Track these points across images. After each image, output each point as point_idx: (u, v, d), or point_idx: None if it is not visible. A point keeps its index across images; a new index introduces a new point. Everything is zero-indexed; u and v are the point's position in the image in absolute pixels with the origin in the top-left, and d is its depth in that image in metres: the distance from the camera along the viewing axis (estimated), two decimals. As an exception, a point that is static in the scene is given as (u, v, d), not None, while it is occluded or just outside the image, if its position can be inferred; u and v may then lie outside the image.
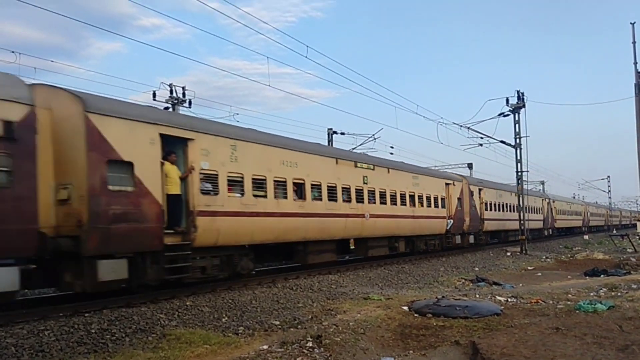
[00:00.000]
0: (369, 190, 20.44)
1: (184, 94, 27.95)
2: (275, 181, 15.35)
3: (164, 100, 26.88)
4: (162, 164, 12.08)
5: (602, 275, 19.12)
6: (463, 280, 18.34)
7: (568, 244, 42.45)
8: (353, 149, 34.41)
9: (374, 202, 20.80)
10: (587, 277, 18.97)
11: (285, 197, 15.81)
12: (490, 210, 34.70)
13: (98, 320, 9.72)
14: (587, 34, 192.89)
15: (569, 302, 11.57)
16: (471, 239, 31.13)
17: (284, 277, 16.26)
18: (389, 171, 22.39)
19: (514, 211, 37.70)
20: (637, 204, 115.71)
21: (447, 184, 28.08)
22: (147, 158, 11.54)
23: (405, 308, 11.18)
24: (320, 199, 17.52)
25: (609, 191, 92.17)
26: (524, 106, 31.89)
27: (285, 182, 15.84)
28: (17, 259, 9.27)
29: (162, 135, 12.04)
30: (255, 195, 14.56)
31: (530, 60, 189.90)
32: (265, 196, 14.91)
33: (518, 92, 31.76)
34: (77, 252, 10.17)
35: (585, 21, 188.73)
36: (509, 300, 12.25)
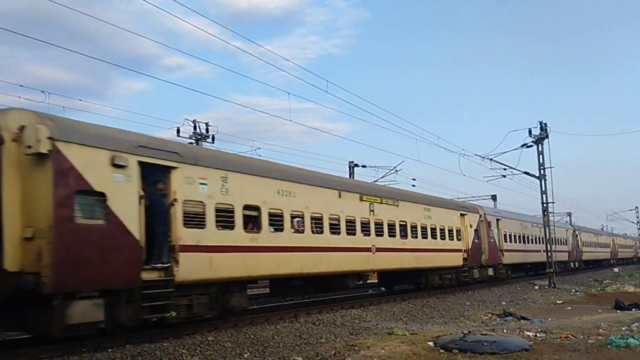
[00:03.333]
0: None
1: (207, 130, 28.47)
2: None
3: (187, 137, 27.39)
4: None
5: (633, 309, 18.53)
6: (490, 315, 17.92)
7: (597, 276, 41.39)
8: (375, 181, 34.44)
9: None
10: (619, 311, 18.39)
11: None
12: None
13: (121, 356, 9.71)
14: (610, 64, 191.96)
15: (600, 337, 11.21)
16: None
17: (307, 311, 16.10)
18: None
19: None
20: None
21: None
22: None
23: (431, 343, 10.95)
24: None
25: (638, 222, 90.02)
26: (547, 137, 31.61)
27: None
28: None
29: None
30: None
31: (553, 91, 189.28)
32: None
33: (541, 122, 31.57)
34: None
35: (609, 51, 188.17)
36: (538, 335, 11.92)
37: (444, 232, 24.60)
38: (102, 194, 10.11)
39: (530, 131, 31.47)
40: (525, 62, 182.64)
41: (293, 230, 15.39)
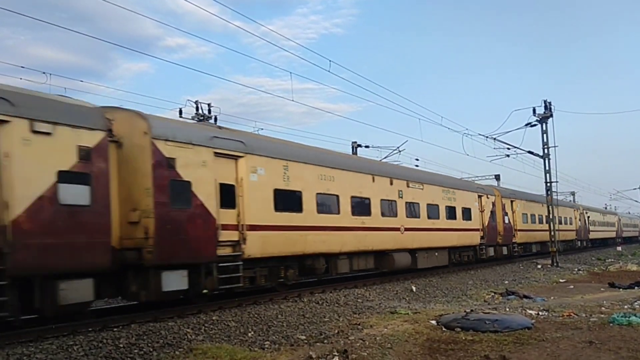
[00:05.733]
0: None
1: (209, 111, 28.30)
2: None
3: (190, 118, 27.26)
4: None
5: (635, 287, 18.59)
6: (492, 294, 18.01)
7: (601, 255, 41.50)
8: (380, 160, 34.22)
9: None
10: (621, 290, 18.45)
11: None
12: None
13: (126, 335, 9.80)
14: (614, 42, 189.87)
15: (602, 315, 11.27)
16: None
17: (310, 291, 16.19)
18: None
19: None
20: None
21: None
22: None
23: (433, 322, 11.03)
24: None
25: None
26: (551, 116, 31.42)
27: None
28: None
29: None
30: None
31: (557, 69, 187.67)
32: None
33: (545, 101, 31.37)
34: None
35: (614, 28, 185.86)
36: (540, 313, 11.98)
37: None
38: None
39: (534, 110, 31.31)
40: (529, 40, 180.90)
41: None
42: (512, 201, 33.39)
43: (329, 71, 20.29)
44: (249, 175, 14.05)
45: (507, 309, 12.91)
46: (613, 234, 66.25)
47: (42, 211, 9.60)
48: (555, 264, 30.89)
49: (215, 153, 13.11)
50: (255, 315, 12.27)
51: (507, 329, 9.81)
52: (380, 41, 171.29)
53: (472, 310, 11.82)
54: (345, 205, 17.66)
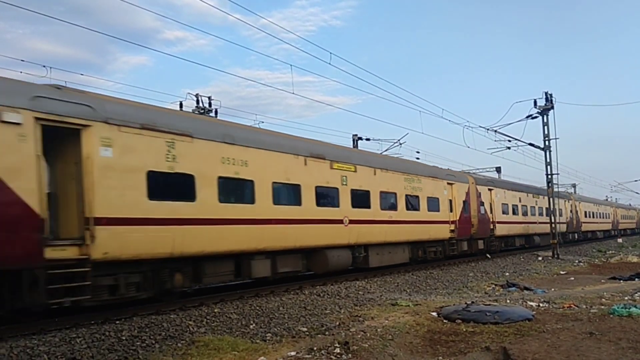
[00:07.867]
0: None
1: (210, 104, 28.33)
2: None
3: (191, 110, 27.25)
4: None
5: (636, 279, 18.61)
6: (493, 286, 18.04)
7: (601, 247, 41.54)
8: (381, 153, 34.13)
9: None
10: (621, 281, 18.48)
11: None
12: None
13: (128, 328, 9.85)
14: (615, 34, 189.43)
15: (602, 307, 11.30)
16: None
17: (311, 283, 16.25)
18: None
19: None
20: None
21: None
22: None
23: (434, 314, 11.07)
24: None
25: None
26: (552, 108, 31.31)
27: None
28: None
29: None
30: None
31: (558, 61, 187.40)
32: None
33: (546, 93, 31.24)
34: None
35: (614, 20, 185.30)
36: (541, 305, 12.02)
37: None
38: None
39: (535, 102, 31.21)
40: (530, 33, 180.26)
41: None
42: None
43: (329, 63, 20.31)
44: None
45: (508, 301, 12.95)
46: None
47: None
48: (555, 256, 30.93)
49: None
50: (257, 308, 12.32)
51: (508, 321, 9.85)
52: (380, 33, 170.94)
53: (472, 302, 11.86)
54: None
